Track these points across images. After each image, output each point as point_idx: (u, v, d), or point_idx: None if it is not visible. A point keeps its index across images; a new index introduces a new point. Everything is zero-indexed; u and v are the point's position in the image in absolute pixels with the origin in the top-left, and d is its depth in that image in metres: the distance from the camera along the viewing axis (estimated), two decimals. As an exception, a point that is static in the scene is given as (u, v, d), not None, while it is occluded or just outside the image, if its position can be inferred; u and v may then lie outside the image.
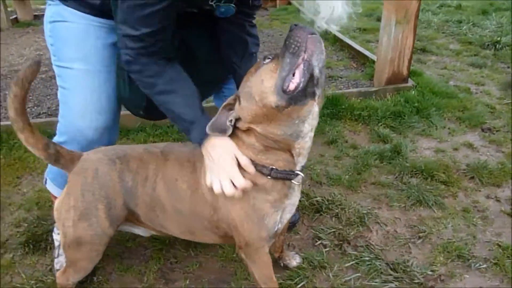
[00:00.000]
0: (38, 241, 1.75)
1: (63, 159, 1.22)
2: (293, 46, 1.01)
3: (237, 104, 1.13)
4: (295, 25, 1.04)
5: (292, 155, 1.14)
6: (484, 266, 1.59)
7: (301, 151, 1.14)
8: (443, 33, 4.63)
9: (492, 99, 2.98)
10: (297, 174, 1.17)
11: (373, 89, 2.94)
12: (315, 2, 1.14)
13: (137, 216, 1.28)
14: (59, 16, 1.36)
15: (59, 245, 1.63)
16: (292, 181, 1.18)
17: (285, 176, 1.16)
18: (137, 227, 1.36)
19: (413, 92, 2.88)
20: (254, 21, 1.51)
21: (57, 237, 1.65)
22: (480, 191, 2.03)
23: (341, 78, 3.36)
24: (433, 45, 4.20)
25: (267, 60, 1.08)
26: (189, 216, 1.25)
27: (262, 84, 1.05)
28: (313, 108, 1.08)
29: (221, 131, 1.14)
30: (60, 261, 1.60)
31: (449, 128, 2.60)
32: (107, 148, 1.33)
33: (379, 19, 4.18)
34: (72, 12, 1.35)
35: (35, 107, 2.93)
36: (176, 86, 1.21)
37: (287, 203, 1.22)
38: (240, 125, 1.13)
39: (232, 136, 1.16)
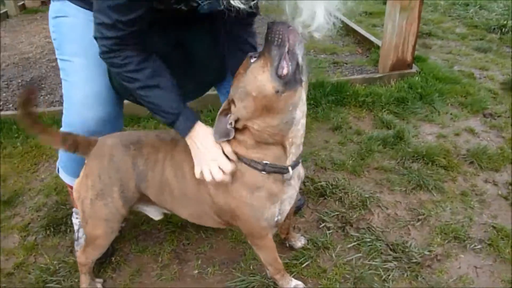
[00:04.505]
0: (59, 224, 1.87)
1: (81, 146, 1.34)
2: (276, 39, 1.09)
3: (232, 107, 1.20)
4: (272, 22, 1.11)
5: (284, 148, 1.21)
6: (479, 246, 1.68)
7: (294, 140, 1.21)
8: (449, 16, 4.61)
9: (495, 84, 3.02)
10: (288, 170, 1.24)
11: (378, 75, 2.98)
12: (296, 3, 1.11)
13: (148, 198, 1.39)
14: (61, 11, 1.43)
15: (78, 229, 1.75)
16: (284, 175, 1.24)
17: (278, 170, 1.23)
18: (150, 206, 1.47)
19: (417, 78, 2.92)
20: (253, 29, 1.51)
21: (76, 221, 1.76)
22: (479, 175, 2.10)
23: (346, 64, 3.40)
24: (439, 29, 4.20)
25: (253, 59, 1.14)
26: (194, 200, 1.34)
27: (256, 79, 1.12)
28: (302, 94, 1.16)
29: (225, 135, 1.22)
30: (80, 243, 1.71)
31: (451, 114, 2.65)
32: (123, 133, 1.42)
33: (385, 2, 4.16)
34: (74, 7, 1.41)
35: (48, 95, 3.02)
36: (158, 80, 1.23)
37: (284, 197, 1.30)
38: (238, 125, 1.21)
39: None
